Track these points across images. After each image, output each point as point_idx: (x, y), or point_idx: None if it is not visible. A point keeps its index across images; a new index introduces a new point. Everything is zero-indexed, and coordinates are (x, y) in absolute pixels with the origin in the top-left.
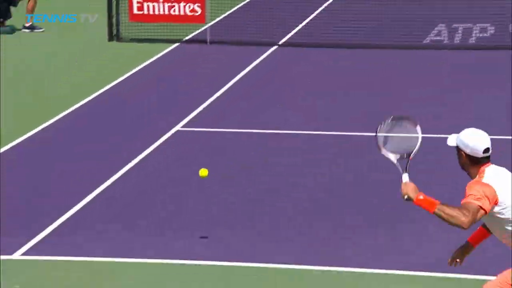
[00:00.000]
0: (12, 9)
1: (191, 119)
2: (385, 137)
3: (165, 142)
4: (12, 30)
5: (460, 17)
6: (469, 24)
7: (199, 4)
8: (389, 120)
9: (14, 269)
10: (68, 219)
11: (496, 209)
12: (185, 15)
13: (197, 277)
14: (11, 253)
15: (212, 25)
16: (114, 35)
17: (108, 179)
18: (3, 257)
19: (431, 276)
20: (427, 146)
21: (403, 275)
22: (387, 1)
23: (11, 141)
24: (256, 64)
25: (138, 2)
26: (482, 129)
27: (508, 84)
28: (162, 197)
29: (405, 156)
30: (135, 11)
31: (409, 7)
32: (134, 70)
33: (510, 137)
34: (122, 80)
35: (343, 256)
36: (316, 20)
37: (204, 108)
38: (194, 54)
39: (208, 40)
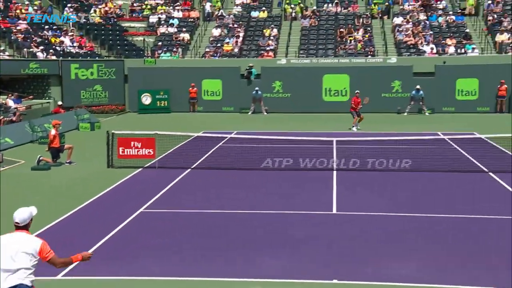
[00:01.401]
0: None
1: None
2: None
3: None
4: (60, 164)
5: None
6: None
7: (152, 149)
8: None
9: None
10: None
11: None
12: (144, 154)
13: None
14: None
15: (158, 159)
16: (110, 165)
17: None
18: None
19: None
20: None
21: None
22: None
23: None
24: (186, 173)
25: (122, 149)
26: None
27: None
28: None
29: None
30: (120, 153)
31: None
32: (119, 182)
33: None
34: (112, 188)
35: None
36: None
37: (156, 198)
38: (149, 172)
39: (156, 166)
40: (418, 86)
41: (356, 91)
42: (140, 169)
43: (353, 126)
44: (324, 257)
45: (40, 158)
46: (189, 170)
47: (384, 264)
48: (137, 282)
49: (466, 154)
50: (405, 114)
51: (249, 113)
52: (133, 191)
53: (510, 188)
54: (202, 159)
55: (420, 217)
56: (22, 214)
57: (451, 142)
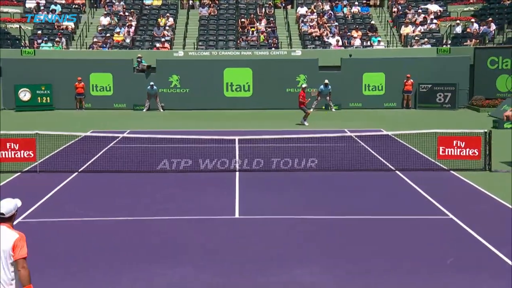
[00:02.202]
0: None
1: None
2: None
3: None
4: None
5: None
6: None
7: (32, 151)
8: None
9: None
10: None
11: None
12: (23, 157)
13: None
14: None
15: (40, 162)
16: None
17: None
18: None
19: None
20: None
21: None
22: None
23: None
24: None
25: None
26: None
27: None
28: None
29: None
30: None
31: None
32: None
33: None
34: None
35: None
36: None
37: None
38: (29, 177)
39: (37, 170)
40: (326, 81)
41: (303, 85)
42: (18, 174)
43: (304, 120)
44: (226, 265)
45: None
46: (75, 174)
47: (288, 271)
48: None
49: (373, 152)
50: (311, 110)
51: (144, 110)
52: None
53: (416, 187)
54: (90, 161)
55: (326, 219)
56: (7, 204)
57: (358, 140)
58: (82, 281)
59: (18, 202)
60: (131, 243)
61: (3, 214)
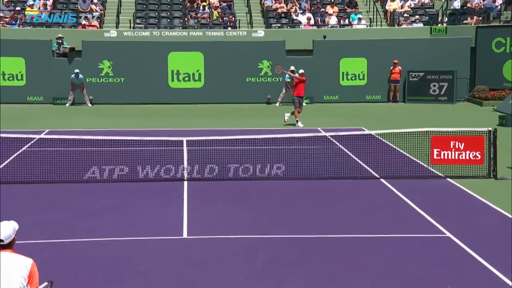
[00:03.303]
0: None
1: None
2: None
3: None
4: None
5: None
6: None
7: None
8: None
9: None
10: None
11: None
12: None
13: None
14: None
15: None
16: None
17: None
18: None
19: None
20: None
21: None
22: None
23: None
24: None
25: None
26: None
27: None
28: None
29: None
30: None
31: None
32: None
33: None
34: None
35: None
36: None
37: None
38: None
39: None
40: (292, 68)
41: (300, 71)
42: None
43: (297, 121)
44: None
45: None
46: None
47: None
48: None
49: (353, 156)
50: (277, 104)
51: (67, 104)
52: None
53: (405, 199)
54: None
55: (294, 238)
56: (6, 229)
57: (334, 141)
58: None
59: (15, 225)
60: (50, 272)
61: (2, 241)
